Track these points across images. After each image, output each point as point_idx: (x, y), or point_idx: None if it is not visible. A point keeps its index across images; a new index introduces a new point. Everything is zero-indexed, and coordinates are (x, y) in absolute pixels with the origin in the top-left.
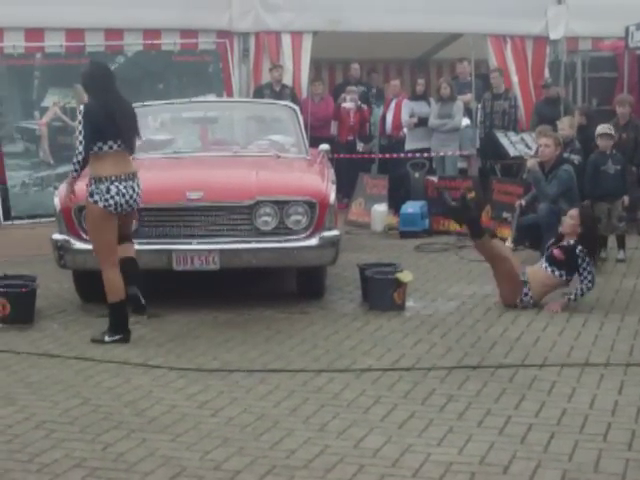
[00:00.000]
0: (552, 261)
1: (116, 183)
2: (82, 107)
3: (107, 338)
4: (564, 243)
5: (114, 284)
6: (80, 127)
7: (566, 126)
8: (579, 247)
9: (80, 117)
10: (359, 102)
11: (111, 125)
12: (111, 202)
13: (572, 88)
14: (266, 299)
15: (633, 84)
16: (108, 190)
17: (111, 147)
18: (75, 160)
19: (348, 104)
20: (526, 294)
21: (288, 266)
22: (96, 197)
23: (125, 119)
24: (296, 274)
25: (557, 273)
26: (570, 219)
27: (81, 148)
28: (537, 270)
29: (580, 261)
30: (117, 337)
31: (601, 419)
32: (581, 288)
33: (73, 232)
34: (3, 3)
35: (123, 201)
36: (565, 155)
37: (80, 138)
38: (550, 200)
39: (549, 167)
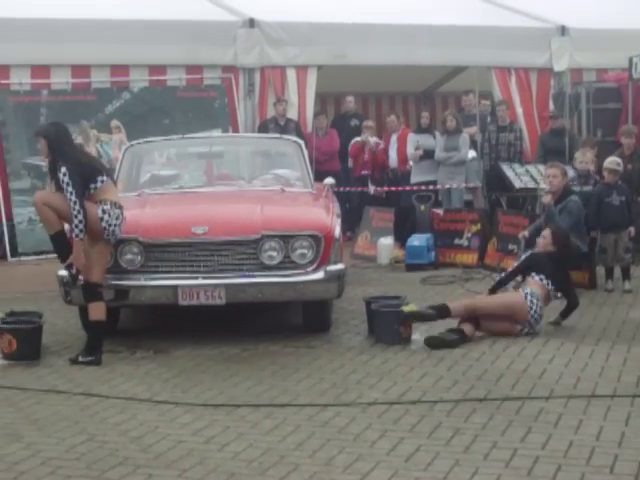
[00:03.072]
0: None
1: None
2: (64, 169)
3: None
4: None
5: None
6: (70, 188)
7: (587, 160)
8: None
9: (67, 179)
10: (375, 138)
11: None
12: None
13: (577, 119)
14: (272, 333)
15: (637, 115)
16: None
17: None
18: (77, 221)
19: (365, 138)
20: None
21: (294, 300)
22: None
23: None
24: (302, 308)
25: (544, 282)
26: (543, 239)
27: (78, 207)
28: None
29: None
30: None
31: (608, 451)
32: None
33: None
34: (9, 40)
35: None
36: (587, 189)
37: (74, 198)
38: None
39: (556, 198)
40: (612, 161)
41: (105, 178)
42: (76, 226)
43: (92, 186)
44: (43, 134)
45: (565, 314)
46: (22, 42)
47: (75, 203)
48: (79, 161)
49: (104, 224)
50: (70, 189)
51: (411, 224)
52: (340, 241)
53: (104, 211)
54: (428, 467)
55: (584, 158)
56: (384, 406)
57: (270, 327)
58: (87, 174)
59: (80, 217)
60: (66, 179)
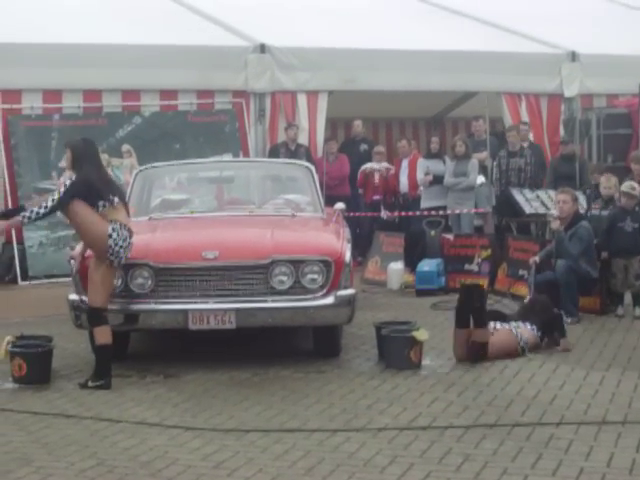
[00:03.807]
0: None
1: None
2: (74, 179)
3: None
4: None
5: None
6: (62, 188)
7: (611, 185)
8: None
9: (68, 184)
10: (385, 163)
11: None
12: None
13: (587, 145)
14: (282, 358)
15: None
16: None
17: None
18: (35, 212)
19: (375, 165)
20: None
21: (304, 325)
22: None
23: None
24: (312, 333)
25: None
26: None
27: (48, 206)
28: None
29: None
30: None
31: (619, 478)
32: None
33: None
34: (21, 65)
35: None
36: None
37: (54, 197)
38: (573, 259)
39: (567, 224)
40: (628, 185)
41: (117, 200)
42: (32, 211)
43: (101, 203)
44: (71, 146)
45: (561, 333)
46: (34, 67)
47: (52, 201)
48: (93, 180)
49: (110, 242)
50: (62, 189)
51: (421, 249)
52: (351, 266)
53: (114, 229)
54: None
55: (608, 183)
56: (394, 432)
57: (280, 352)
58: (98, 192)
59: (41, 212)
60: (67, 183)
